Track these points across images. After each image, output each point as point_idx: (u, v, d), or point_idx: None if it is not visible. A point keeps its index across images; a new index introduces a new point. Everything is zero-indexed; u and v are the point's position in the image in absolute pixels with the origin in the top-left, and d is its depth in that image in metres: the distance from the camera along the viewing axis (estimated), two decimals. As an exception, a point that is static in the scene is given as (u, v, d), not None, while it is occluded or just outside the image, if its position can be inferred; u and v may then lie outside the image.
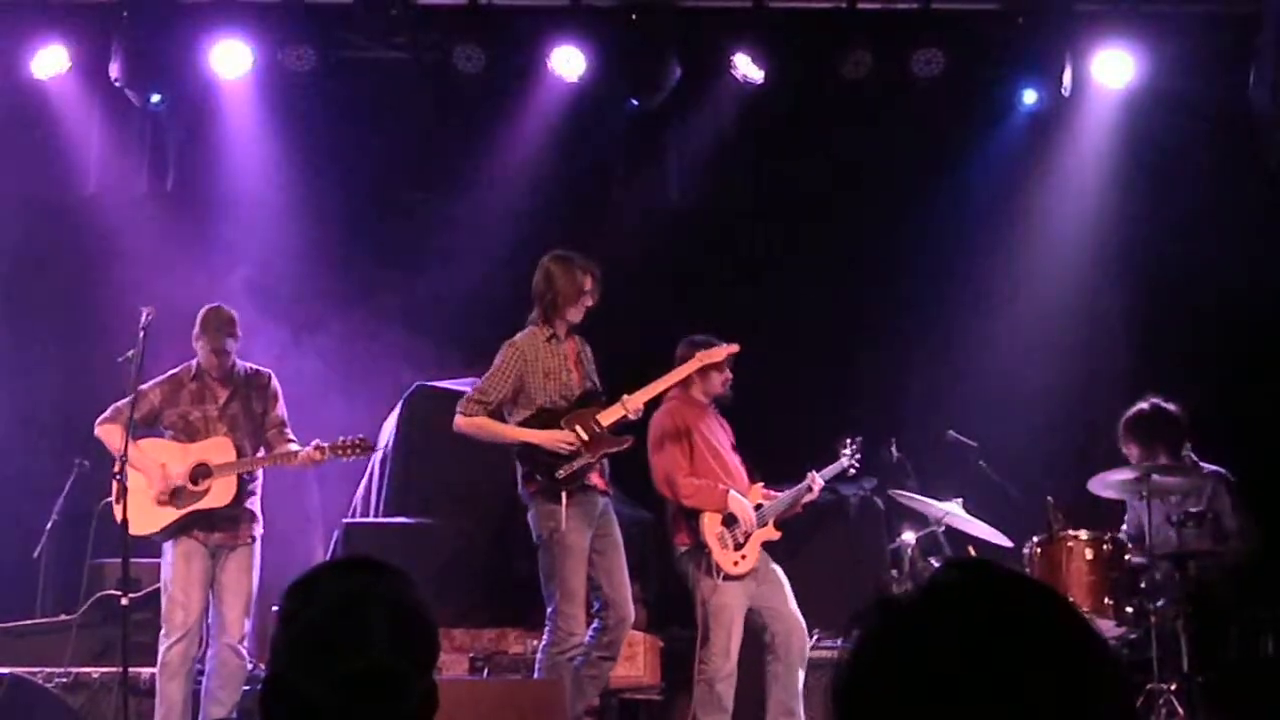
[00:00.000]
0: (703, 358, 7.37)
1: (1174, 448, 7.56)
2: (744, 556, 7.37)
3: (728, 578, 7.32)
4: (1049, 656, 1.34)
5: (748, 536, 7.38)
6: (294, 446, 7.20)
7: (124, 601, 6.87)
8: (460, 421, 7.16)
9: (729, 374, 7.60)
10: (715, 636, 7.27)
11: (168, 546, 7.11)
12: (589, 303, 7.18)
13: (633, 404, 7.13)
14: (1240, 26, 9.13)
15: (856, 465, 7.82)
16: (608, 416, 7.09)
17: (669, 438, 7.45)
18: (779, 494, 7.61)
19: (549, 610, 7.01)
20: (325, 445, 7.14)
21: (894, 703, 1.35)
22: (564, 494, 6.95)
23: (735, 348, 7.47)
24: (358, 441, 7.22)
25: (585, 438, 7.01)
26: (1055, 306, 9.54)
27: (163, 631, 7.01)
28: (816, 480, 7.60)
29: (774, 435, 8.48)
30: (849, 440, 7.79)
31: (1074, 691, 1.33)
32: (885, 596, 1.44)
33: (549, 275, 7.18)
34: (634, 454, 7.46)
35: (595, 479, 7.10)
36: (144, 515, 7.04)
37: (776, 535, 7.52)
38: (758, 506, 7.48)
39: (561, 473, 6.98)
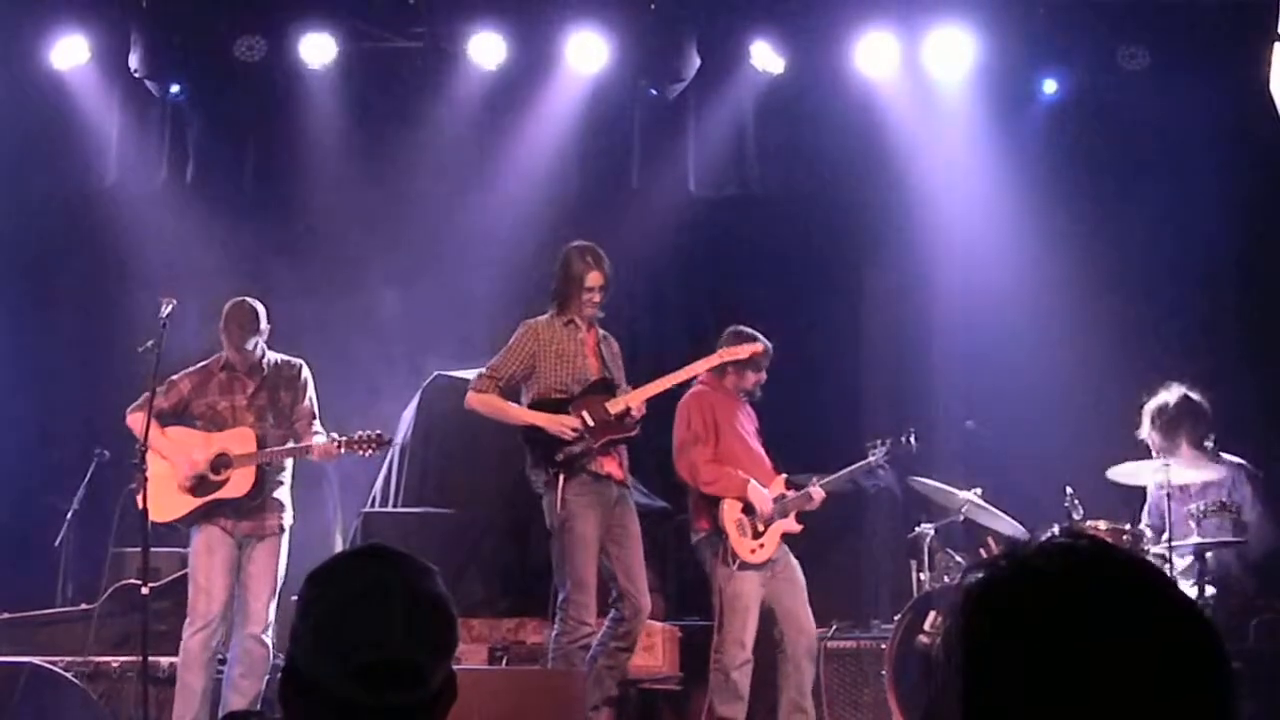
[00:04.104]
0: (725, 354, 7.34)
1: (1197, 439, 7.53)
2: (762, 545, 7.36)
3: (744, 566, 7.31)
4: (1176, 624, 1.35)
5: (767, 525, 7.38)
6: (317, 439, 7.21)
7: (144, 591, 6.88)
8: (471, 397, 7.22)
9: (764, 375, 7.58)
10: (730, 625, 7.26)
11: (194, 535, 7.13)
12: (595, 299, 7.17)
13: (637, 398, 7.13)
14: (1261, 10, 9.08)
15: (885, 466, 7.80)
16: (615, 405, 7.09)
17: (695, 423, 7.43)
18: (796, 491, 7.59)
19: (560, 599, 7.02)
20: (341, 439, 7.14)
21: (1018, 649, 1.34)
22: (561, 477, 6.97)
23: (760, 347, 7.44)
24: (374, 436, 7.19)
25: (590, 423, 7.01)
26: (1076, 293, 9.50)
27: (187, 620, 7.05)
28: (816, 491, 7.55)
29: (791, 423, 8.47)
30: (880, 441, 7.76)
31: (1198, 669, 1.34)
32: (1014, 548, 1.43)
33: (562, 263, 7.25)
34: (651, 443, 7.46)
35: (610, 467, 7.09)
36: (166, 503, 7.06)
37: (797, 528, 7.49)
38: (780, 497, 7.47)
39: (560, 456, 6.99)
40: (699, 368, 7.38)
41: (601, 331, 7.34)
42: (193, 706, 6.93)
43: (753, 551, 7.34)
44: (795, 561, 7.49)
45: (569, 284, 7.18)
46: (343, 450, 7.13)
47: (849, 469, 7.77)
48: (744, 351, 7.39)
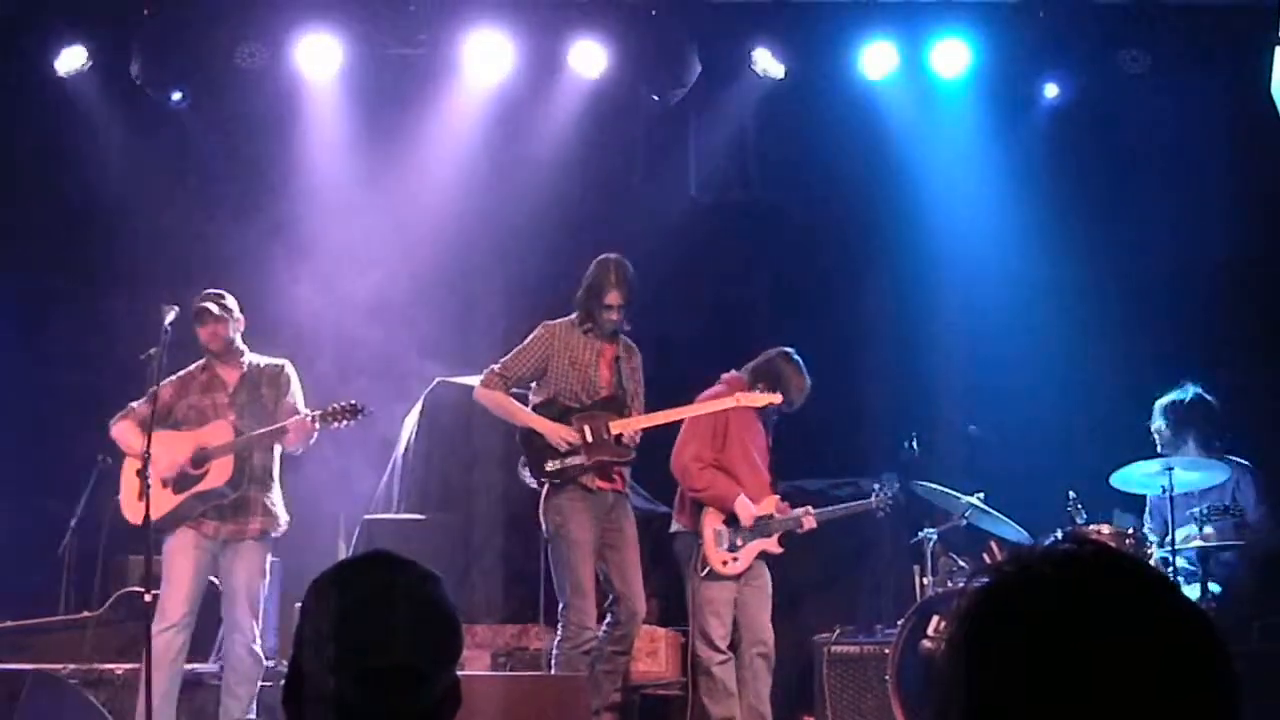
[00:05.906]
0: (741, 399, 7.31)
1: (1205, 438, 7.54)
2: (735, 559, 7.39)
3: (713, 575, 7.34)
4: (1178, 631, 1.36)
5: (746, 542, 7.38)
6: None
7: (146, 598, 6.86)
8: (479, 392, 7.25)
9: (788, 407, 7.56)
10: (703, 627, 7.33)
11: (169, 538, 7.06)
12: (612, 317, 7.14)
13: (635, 425, 7.10)
14: (1262, 14, 9.08)
15: (885, 510, 7.78)
16: (619, 426, 7.07)
17: (705, 424, 7.41)
18: (790, 511, 7.59)
19: (560, 606, 7.05)
20: (314, 413, 7.08)
21: (1020, 654, 1.34)
22: (547, 486, 6.99)
23: (778, 398, 7.39)
24: (347, 407, 7.09)
25: (588, 439, 7.00)
26: (1078, 296, 9.50)
27: (154, 618, 6.88)
28: (808, 519, 7.56)
29: (792, 428, 8.46)
30: (884, 483, 7.76)
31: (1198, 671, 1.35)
32: (1018, 553, 1.44)
33: (590, 272, 7.22)
34: (654, 448, 7.45)
35: (603, 484, 7.09)
36: (151, 502, 7.04)
37: (777, 550, 7.50)
38: (768, 517, 7.46)
39: (549, 465, 6.99)
40: (713, 407, 7.32)
41: (625, 342, 7.31)
42: (163, 708, 6.84)
43: (724, 564, 7.36)
44: (767, 573, 7.50)
45: (590, 295, 7.16)
46: (317, 425, 7.06)
47: (848, 505, 7.81)
48: (759, 400, 7.34)
